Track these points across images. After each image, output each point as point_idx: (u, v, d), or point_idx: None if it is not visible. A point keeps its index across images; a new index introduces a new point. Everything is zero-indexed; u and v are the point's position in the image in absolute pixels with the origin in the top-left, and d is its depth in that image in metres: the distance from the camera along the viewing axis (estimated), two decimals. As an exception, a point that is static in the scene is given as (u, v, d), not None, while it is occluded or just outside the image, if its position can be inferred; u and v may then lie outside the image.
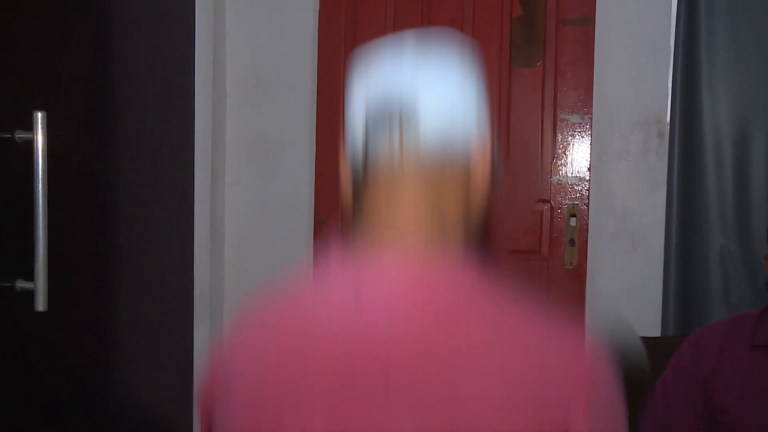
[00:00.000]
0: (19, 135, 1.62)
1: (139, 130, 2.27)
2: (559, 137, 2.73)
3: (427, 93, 0.87)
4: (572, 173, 2.72)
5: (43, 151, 1.60)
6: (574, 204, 2.72)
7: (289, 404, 0.84)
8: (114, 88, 2.16)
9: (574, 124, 2.72)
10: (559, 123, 2.73)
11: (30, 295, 1.61)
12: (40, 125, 1.60)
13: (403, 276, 0.85)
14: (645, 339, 2.04)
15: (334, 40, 2.84)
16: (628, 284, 2.66)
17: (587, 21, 2.69)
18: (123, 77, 2.19)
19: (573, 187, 2.72)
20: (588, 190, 2.71)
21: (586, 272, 2.70)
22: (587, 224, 2.71)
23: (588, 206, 2.71)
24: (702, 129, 2.53)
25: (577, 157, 2.72)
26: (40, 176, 1.60)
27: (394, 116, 0.87)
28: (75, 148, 1.95)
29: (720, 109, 2.53)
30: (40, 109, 1.61)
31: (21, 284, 1.64)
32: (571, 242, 2.71)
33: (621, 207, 2.68)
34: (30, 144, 1.60)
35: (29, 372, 1.79)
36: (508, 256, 2.69)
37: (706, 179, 2.53)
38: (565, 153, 2.73)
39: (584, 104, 2.71)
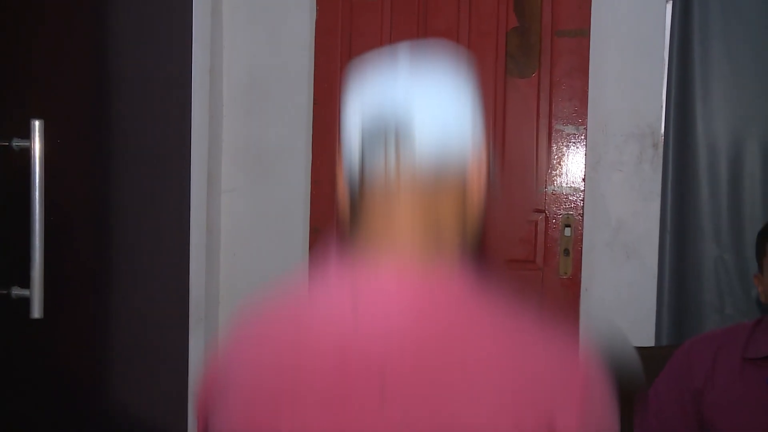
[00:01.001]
0: (17, 143, 1.62)
1: (136, 138, 2.27)
2: (554, 148, 2.74)
3: (422, 104, 0.88)
4: (567, 184, 2.73)
5: (40, 159, 1.60)
6: (568, 214, 2.73)
7: (284, 412, 0.84)
8: (111, 96, 2.16)
9: (568, 135, 2.73)
10: (554, 134, 2.74)
11: (26, 302, 1.61)
12: (37, 133, 1.60)
13: (399, 285, 0.86)
14: (638, 349, 2.04)
15: (331, 49, 2.85)
16: (621, 294, 2.67)
17: (582, 33, 2.71)
18: (120, 85, 2.20)
19: (568, 198, 2.73)
20: (582, 200, 2.72)
21: (580, 282, 2.71)
22: (582, 234, 2.71)
23: (582, 216, 2.72)
24: (696, 140, 2.54)
25: (572, 167, 2.73)
26: (36, 184, 1.60)
27: (389, 127, 0.88)
28: (72, 156, 1.95)
29: (714, 121, 2.54)
30: (38, 117, 1.62)
31: (17, 291, 1.64)
32: (566, 252, 2.72)
33: (615, 217, 2.69)
34: (27, 152, 1.60)
35: (25, 379, 1.78)
36: (503, 266, 2.70)
37: (700, 190, 2.54)
38: (559, 163, 2.74)
39: (579, 115, 2.72)
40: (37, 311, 1.61)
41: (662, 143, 2.62)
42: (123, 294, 2.22)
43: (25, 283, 1.61)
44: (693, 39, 2.53)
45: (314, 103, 2.86)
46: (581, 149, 2.72)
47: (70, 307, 1.96)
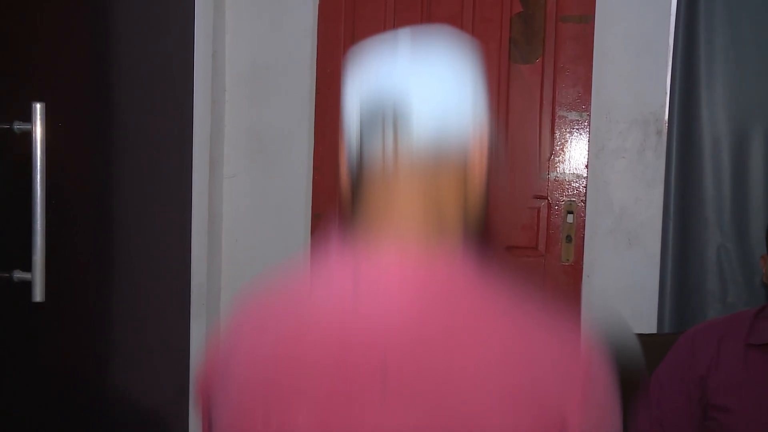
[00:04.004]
0: (18, 126, 1.62)
1: (138, 123, 2.27)
2: (557, 134, 2.73)
3: (423, 89, 0.87)
4: (570, 170, 2.73)
5: (41, 142, 1.60)
6: (571, 201, 2.72)
7: (286, 398, 0.84)
8: (113, 80, 2.16)
9: (572, 122, 2.73)
10: (557, 120, 2.73)
11: (27, 285, 1.61)
12: (38, 116, 1.60)
13: (401, 271, 0.86)
14: (640, 336, 2.04)
15: (334, 35, 2.84)
16: (624, 281, 2.67)
17: (586, 18, 2.70)
18: (122, 69, 2.19)
19: (570, 184, 2.73)
20: (585, 187, 2.72)
21: (582, 269, 2.71)
22: (584, 221, 2.71)
23: (585, 203, 2.71)
24: (700, 128, 2.53)
25: (575, 154, 2.73)
26: (38, 167, 1.60)
27: (388, 113, 0.87)
28: (73, 140, 1.95)
29: (718, 108, 2.53)
30: (39, 100, 1.61)
31: (18, 275, 1.64)
32: (568, 239, 2.72)
33: (618, 204, 2.68)
34: (28, 135, 1.60)
35: (25, 363, 1.79)
36: (505, 253, 2.70)
37: (704, 178, 2.53)
38: (562, 150, 2.74)
39: (582, 101, 2.72)
40: (38, 295, 1.61)
41: (666, 130, 2.61)
42: (125, 279, 2.22)
43: (27, 266, 1.61)
44: (698, 26, 2.51)
45: (316, 90, 2.85)
46: (584, 136, 2.72)
47: (72, 291, 1.96)
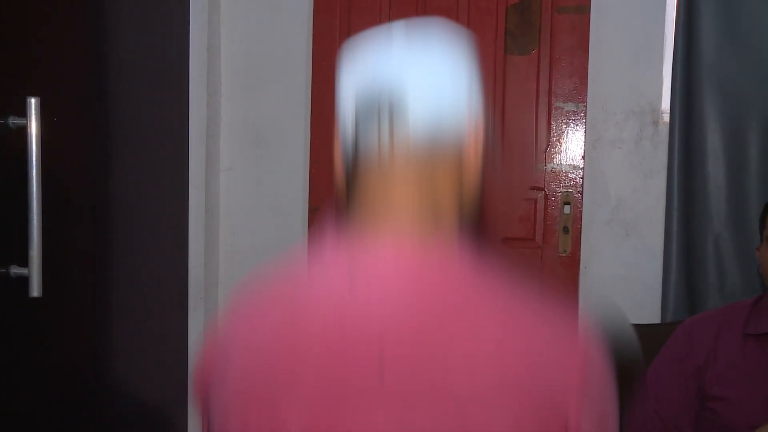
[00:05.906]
0: (13, 121, 1.62)
1: (134, 117, 2.27)
2: (554, 125, 2.73)
3: (419, 81, 0.87)
4: (566, 161, 2.73)
5: (36, 137, 1.60)
6: (568, 192, 2.72)
7: (283, 391, 0.84)
8: (108, 74, 2.15)
9: (568, 113, 2.73)
10: (553, 111, 2.73)
11: (24, 281, 1.61)
12: (33, 111, 1.60)
13: (397, 263, 0.86)
14: (637, 326, 2.05)
15: (329, 27, 2.84)
16: (621, 272, 2.67)
17: (583, 9, 2.69)
18: (118, 64, 2.19)
19: (567, 175, 2.73)
20: (582, 178, 2.72)
21: (579, 260, 2.71)
22: (581, 212, 2.71)
23: (582, 194, 2.71)
24: (701, 117, 2.52)
25: (572, 145, 2.73)
26: (34, 162, 1.60)
27: (383, 105, 0.87)
28: (69, 135, 1.95)
29: (719, 99, 2.52)
30: (34, 95, 1.61)
31: (15, 270, 1.64)
32: (565, 230, 2.72)
33: (615, 195, 2.68)
34: (24, 130, 1.60)
35: (23, 358, 1.79)
36: (502, 244, 2.70)
37: (705, 167, 2.52)
38: (559, 141, 2.73)
39: (579, 92, 2.71)
40: (36, 290, 1.61)
41: (662, 121, 2.61)
42: (122, 274, 2.22)
43: (24, 261, 1.61)
44: (698, 16, 2.50)
45: (313, 82, 2.85)
46: (581, 127, 2.72)
47: (69, 286, 1.96)
